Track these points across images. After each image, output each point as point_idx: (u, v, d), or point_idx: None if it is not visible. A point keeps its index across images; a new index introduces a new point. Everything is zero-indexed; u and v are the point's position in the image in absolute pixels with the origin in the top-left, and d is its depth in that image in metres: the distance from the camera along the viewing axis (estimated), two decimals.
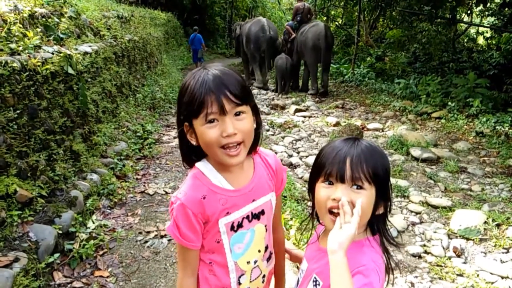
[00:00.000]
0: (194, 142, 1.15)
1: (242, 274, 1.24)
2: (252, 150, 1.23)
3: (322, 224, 1.23)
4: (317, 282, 1.13)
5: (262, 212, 1.25)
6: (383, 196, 1.10)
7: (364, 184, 1.04)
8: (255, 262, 1.26)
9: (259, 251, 1.27)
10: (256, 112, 1.19)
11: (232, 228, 1.19)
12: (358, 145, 1.09)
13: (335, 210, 1.05)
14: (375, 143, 1.18)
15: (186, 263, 1.21)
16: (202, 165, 1.19)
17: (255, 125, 1.18)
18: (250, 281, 1.26)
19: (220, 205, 1.16)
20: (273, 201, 1.30)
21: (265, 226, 1.27)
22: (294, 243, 3.27)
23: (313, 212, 1.24)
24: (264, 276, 1.31)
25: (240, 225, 1.20)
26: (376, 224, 1.14)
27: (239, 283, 1.24)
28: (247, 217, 1.21)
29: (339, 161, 1.06)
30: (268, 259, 1.32)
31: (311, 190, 1.17)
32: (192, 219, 1.13)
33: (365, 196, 1.05)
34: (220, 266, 1.21)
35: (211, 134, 1.08)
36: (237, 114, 1.10)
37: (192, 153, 1.21)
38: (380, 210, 1.11)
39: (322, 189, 1.09)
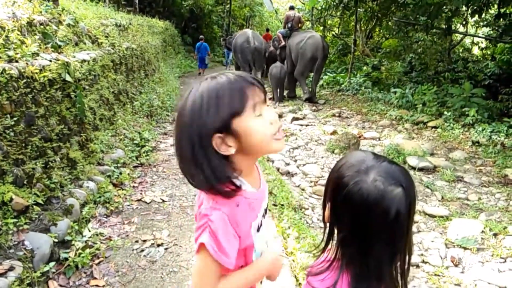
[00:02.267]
0: (232, 151, 1.03)
1: None
2: None
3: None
4: None
5: (267, 206, 1.29)
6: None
7: None
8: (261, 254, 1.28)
9: (266, 242, 1.29)
10: None
11: (258, 229, 1.18)
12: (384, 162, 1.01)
13: None
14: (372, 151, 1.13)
15: (208, 283, 1.07)
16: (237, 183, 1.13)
17: None
18: None
19: (251, 210, 1.14)
20: None
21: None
22: (292, 252, 3.26)
23: (328, 236, 1.10)
24: None
25: (261, 224, 1.21)
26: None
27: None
28: (263, 215, 1.22)
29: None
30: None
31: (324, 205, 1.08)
32: (230, 229, 1.05)
33: None
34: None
35: (264, 124, 1.04)
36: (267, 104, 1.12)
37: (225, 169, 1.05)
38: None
39: None
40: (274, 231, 3.50)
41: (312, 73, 11.32)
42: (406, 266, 1.00)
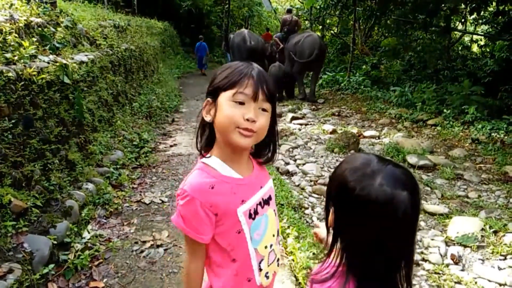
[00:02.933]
0: (208, 118, 1.20)
1: (262, 260, 1.27)
2: (266, 161, 1.34)
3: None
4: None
5: (270, 198, 1.32)
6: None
7: None
8: (271, 246, 1.31)
9: (273, 235, 1.32)
10: (274, 120, 1.26)
11: (250, 216, 1.22)
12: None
13: None
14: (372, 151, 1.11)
15: (194, 251, 1.23)
16: (208, 160, 1.23)
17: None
18: (268, 265, 1.30)
19: (232, 194, 1.19)
20: (273, 186, 1.38)
21: (274, 210, 1.34)
22: (292, 252, 3.26)
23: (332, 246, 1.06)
24: (278, 259, 1.36)
25: (256, 212, 1.24)
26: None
27: (260, 269, 1.27)
28: (260, 203, 1.26)
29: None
30: (279, 242, 1.38)
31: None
32: (199, 210, 1.15)
33: None
34: (243, 257, 1.23)
35: (235, 111, 1.14)
36: (262, 109, 1.18)
37: (204, 134, 1.26)
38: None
39: None
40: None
41: (311, 72, 11.43)
42: (410, 270, 1.00)
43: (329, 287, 1.02)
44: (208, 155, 1.24)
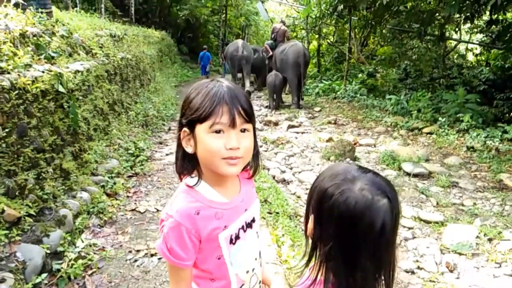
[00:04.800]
0: (190, 150, 1.14)
1: (243, 284, 1.24)
2: (253, 175, 1.29)
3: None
4: None
5: (253, 220, 1.27)
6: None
7: None
8: (253, 270, 1.27)
9: (256, 259, 1.28)
10: (254, 134, 1.20)
11: (231, 241, 1.18)
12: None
13: None
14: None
15: (179, 280, 1.17)
16: (192, 181, 1.17)
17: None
18: None
19: (216, 219, 1.14)
20: (259, 206, 1.34)
21: (257, 233, 1.29)
22: (286, 260, 3.25)
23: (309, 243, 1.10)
24: (260, 282, 1.33)
25: (237, 237, 1.20)
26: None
27: None
28: (242, 227, 1.22)
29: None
30: (261, 264, 1.34)
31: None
32: (185, 236, 1.10)
33: None
34: (222, 280, 1.20)
35: (215, 143, 1.08)
36: (242, 130, 1.12)
37: (186, 161, 1.18)
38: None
39: None
40: (268, 239, 3.49)
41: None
42: (391, 279, 0.98)
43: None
44: (193, 175, 1.19)
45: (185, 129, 1.14)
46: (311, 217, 1.03)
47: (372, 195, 0.91)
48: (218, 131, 1.08)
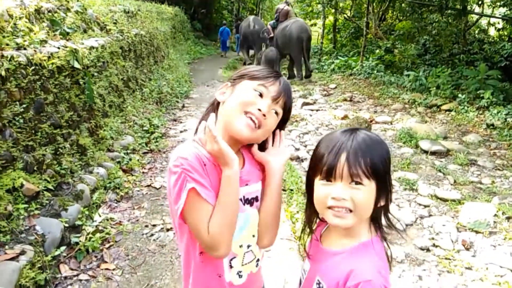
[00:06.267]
0: (220, 98, 1.21)
1: (234, 257, 1.21)
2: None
3: (322, 220, 1.19)
4: (321, 285, 1.09)
5: (256, 199, 1.25)
6: (384, 188, 1.06)
7: (363, 180, 1.01)
8: (248, 246, 1.24)
9: (253, 235, 1.25)
10: (285, 122, 1.28)
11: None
12: (355, 138, 1.04)
13: (335, 209, 1.02)
14: (375, 133, 1.12)
15: (202, 219, 1.08)
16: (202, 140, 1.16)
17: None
18: (242, 265, 1.24)
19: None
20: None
21: (259, 211, 1.26)
22: (300, 237, 3.26)
23: (309, 207, 1.18)
24: (258, 260, 1.29)
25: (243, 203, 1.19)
26: (378, 217, 1.11)
27: (231, 266, 1.21)
28: (241, 199, 1.19)
29: (335, 157, 1.02)
30: None
31: (309, 185, 1.12)
32: (202, 173, 1.09)
33: (365, 192, 1.01)
34: None
35: (250, 96, 1.15)
36: (275, 112, 1.19)
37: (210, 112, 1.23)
38: (382, 202, 1.07)
39: (321, 187, 1.05)
40: (282, 216, 3.49)
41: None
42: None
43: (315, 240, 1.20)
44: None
45: (228, 82, 1.23)
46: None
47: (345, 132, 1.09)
48: (260, 94, 1.17)
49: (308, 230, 1.22)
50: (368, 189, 1.01)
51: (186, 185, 1.05)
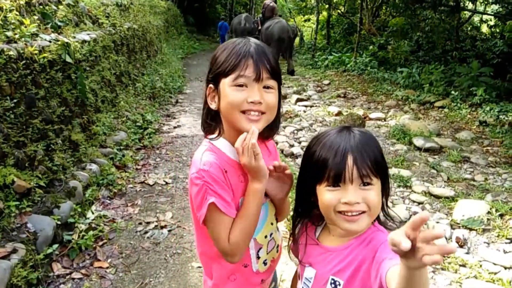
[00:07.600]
0: (213, 106, 1.16)
1: (260, 248, 1.25)
2: (270, 135, 1.27)
3: (314, 224, 1.21)
4: (337, 283, 1.07)
5: None
6: (387, 183, 1.07)
7: (372, 179, 1.00)
8: (271, 235, 1.28)
9: (272, 223, 1.29)
10: (279, 96, 1.19)
11: None
12: (354, 138, 1.03)
13: (349, 214, 1.00)
14: (363, 128, 1.13)
15: (221, 230, 1.11)
16: (216, 141, 1.17)
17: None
18: (267, 253, 1.28)
19: (239, 182, 1.15)
20: None
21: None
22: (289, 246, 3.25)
23: (298, 210, 1.22)
24: (278, 246, 1.33)
25: None
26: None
27: (258, 257, 1.25)
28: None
29: (341, 161, 1.00)
30: (278, 229, 1.35)
31: (305, 190, 1.13)
32: (223, 184, 1.10)
33: (375, 190, 1.01)
34: None
35: (236, 96, 1.08)
36: (266, 87, 1.12)
37: (209, 119, 1.20)
38: (384, 197, 1.09)
39: (327, 193, 1.03)
40: None
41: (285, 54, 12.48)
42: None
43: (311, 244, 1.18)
44: (215, 135, 1.19)
45: (210, 85, 1.16)
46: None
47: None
48: (241, 85, 1.08)
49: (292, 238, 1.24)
50: (376, 187, 1.02)
51: (207, 198, 1.07)
